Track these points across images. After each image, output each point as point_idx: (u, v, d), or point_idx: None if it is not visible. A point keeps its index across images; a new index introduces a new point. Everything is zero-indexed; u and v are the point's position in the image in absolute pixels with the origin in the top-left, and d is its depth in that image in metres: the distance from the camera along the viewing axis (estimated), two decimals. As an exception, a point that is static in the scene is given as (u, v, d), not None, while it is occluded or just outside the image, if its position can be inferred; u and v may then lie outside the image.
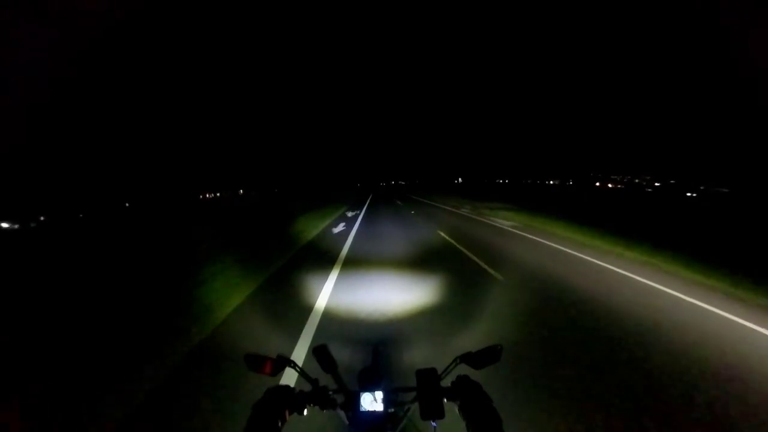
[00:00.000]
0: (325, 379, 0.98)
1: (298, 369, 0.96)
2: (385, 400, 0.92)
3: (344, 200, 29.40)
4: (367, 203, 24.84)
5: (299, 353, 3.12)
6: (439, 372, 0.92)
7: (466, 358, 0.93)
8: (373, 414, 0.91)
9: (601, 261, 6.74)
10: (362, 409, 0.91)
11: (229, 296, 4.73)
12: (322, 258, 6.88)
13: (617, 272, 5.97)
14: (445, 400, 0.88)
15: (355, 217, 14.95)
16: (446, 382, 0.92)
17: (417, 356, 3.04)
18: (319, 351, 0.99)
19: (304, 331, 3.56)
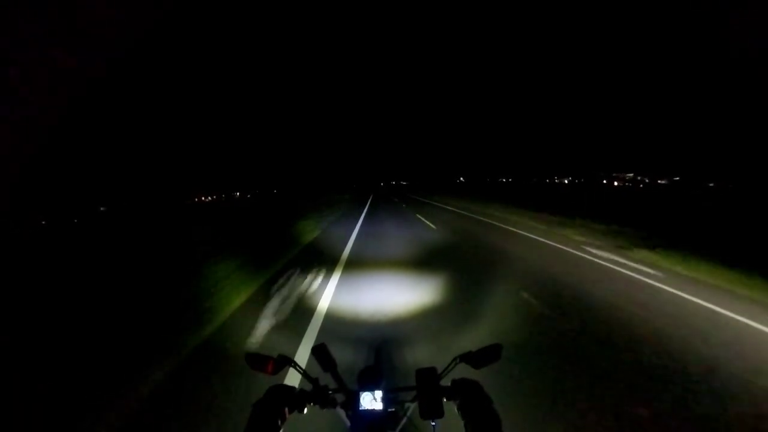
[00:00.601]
0: (326, 379, 0.98)
1: (299, 368, 0.96)
2: (384, 400, 0.92)
3: (322, 212, 18.26)
4: (362, 220, 13.75)
5: (302, 353, 3.14)
6: (439, 371, 0.93)
7: (466, 357, 0.94)
8: (372, 413, 0.91)
9: None
10: (362, 408, 0.92)
11: (230, 297, 4.75)
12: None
13: None
14: (445, 399, 0.88)
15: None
16: (447, 382, 0.92)
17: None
18: (318, 350, 1.00)
19: (307, 331, 3.57)
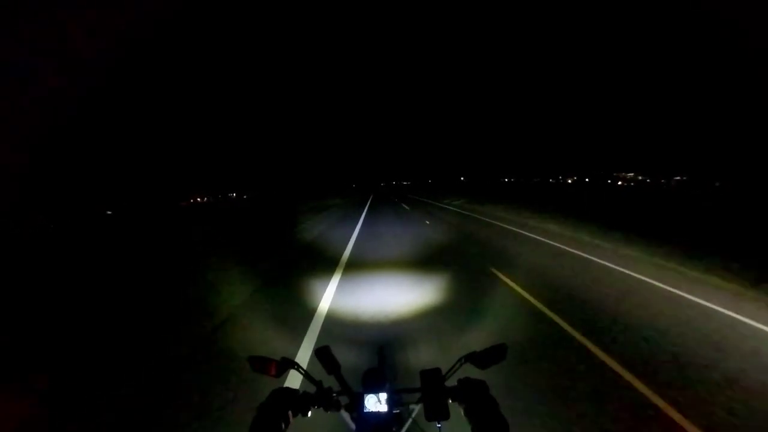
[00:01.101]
0: (330, 381, 0.97)
1: (302, 371, 0.95)
2: (389, 402, 0.91)
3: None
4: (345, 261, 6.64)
5: (303, 355, 3.13)
6: (444, 372, 0.92)
7: (471, 357, 0.92)
8: (377, 415, 0.90)
9: None
10: (367, 410, 0.90)
11: (233, 293, 4.76)
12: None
13: None
14: (450, 400, 0.87)
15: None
16: (452, 382, 0.91)
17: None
18: (321, 352, 0.99)
19: (307, 332, 3.56)
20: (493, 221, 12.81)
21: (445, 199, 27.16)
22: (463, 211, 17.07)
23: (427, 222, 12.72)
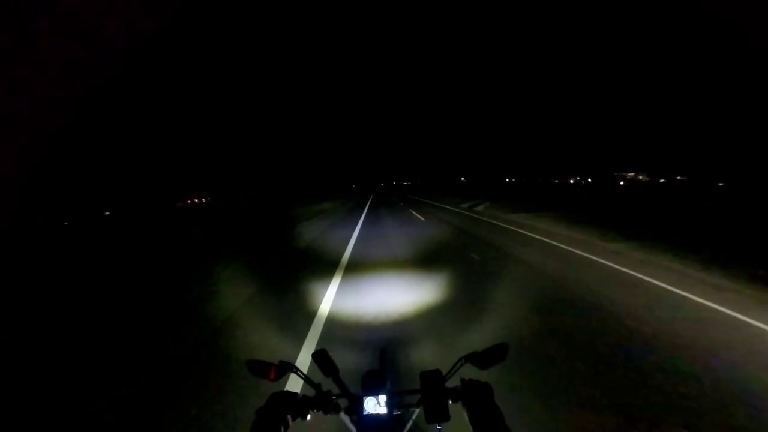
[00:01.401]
0: (329, 384, 0.97)
1: (301, 374, 0.95)
2: (389, 404, 0.91)
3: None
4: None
5: (304, 357, 3.12)
6: (444, 373, 0.91)
7: (472, 357, 0.92)
8: (377, 418, 0.90)
9: None
10: (366, 413, 0.90)
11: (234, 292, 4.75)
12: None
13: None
14: (451, 402, 0.86)
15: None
16: (454, 382, 0.90)
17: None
18: (318, 356, 0.98)
19: (309, 331, 3.55)
20: (591, 256, 6.32)
21: (462, 202, 20.86)
22: (502, 224, 11.08)
23: (475, 256, 6.45)
